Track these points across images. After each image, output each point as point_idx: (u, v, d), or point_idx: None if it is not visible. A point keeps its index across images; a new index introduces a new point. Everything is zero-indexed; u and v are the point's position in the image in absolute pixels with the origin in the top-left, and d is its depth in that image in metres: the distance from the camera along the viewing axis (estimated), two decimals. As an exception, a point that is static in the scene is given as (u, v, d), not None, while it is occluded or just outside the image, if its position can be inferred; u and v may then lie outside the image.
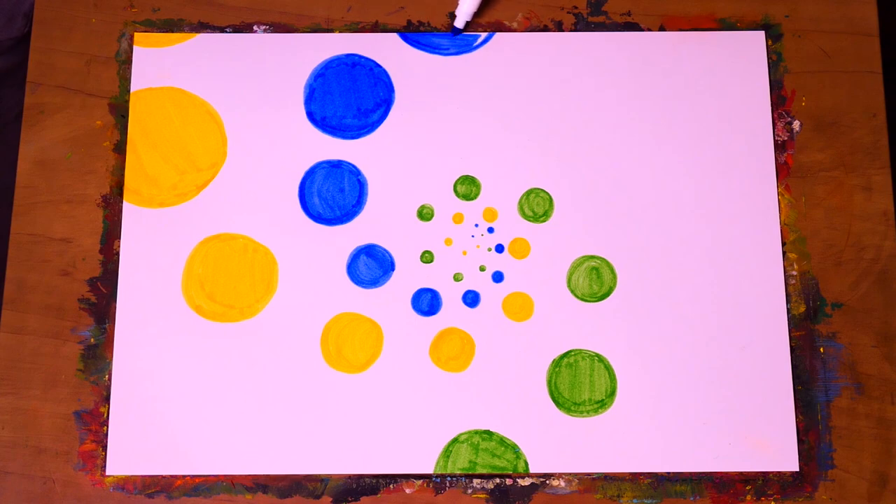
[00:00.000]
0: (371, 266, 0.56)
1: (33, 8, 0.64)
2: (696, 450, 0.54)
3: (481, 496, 0.53)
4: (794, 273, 0.56)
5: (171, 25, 0.59)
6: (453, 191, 0.57)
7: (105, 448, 0.54)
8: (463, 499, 0.53)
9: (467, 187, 0.57)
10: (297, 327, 0.55)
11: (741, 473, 0.53)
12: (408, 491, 0.53)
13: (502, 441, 0.54)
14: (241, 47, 0.59)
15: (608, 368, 0.55)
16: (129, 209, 0.57)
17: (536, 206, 0.57)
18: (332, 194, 0.57)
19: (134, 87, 0.58)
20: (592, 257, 0.56)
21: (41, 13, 0.59)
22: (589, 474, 0.53)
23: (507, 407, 0.54)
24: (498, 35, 0.59)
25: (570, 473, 0.53)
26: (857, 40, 0.59)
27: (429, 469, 0.53)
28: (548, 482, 0.53)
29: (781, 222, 0.56)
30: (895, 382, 0.55)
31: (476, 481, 0.53)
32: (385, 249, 0.56)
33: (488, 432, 0.54)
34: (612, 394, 0.54)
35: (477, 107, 0.58)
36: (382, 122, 0.58)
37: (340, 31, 0.59)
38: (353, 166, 0.57)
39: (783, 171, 0.57)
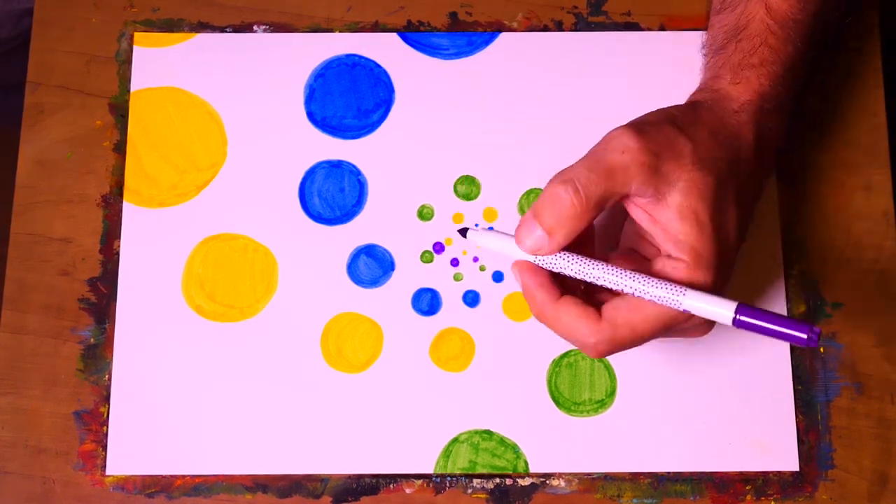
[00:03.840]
0: (371, 266, 0.56)
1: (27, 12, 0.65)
2: (696, 450, 0.54)
3: (481, 496, 0.53)
4: (794, 273, 0.56)
5: (171, 25, 0.59)
6: (453, 191, 0.57)
7: (105, 448, 0.54)
8: (463, 499, 0.53)
9: (467, 187, 0.57)
10: (297, 327, 0.55)
11: (741, 473, 0.53)
12: (408, 491, 0.53)
13: (502, 441, 0.54)
14: (241, 47, 0.59)
15: (608, 368, 0.55)
16: (129, 209, 0.57)
17: (536, 206, 0.57)
18: (332, 194, 0.57)
19: (134, 87, 0.58)
20: (592, 257, 0.56)
21: (41, 13, 0.59)
22: (589, 474, 0.53)
23: (507, 407, 0.54)
24: (498, 35, 0.59)
25: (570, 473, 0.53)
26: (858, 40, 0.59)
27: (429, 469, 0.53)
28: (548, 482, 0.53)
29: (781, 222, 0.56)
30: (895, 382, 0.55)
31: (476, 481, 0.53)
32: (385, 249, 0.56)
33: (488, 432, 0.54)
34: (612, 394, 0.54)
35: (477, 106, 0.58)
36: (382, 122, 0.58)
37: (340, 31, 0.59)
38: (353, 166, 0.57)
39: (783, 171, 0.57)
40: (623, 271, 0.43)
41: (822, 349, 0.55)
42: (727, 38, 0.49)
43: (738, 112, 0.47)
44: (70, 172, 0.57)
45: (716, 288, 0.43)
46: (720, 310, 0.41)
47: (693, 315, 0.43)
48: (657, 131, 0.44)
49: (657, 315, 0.43)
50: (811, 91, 0.58)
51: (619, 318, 0.43)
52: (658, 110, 0.46)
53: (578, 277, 0.44)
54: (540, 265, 0.44)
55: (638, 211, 0.44)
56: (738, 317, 0.41)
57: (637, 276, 0.43)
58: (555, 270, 0.44)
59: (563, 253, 0.44)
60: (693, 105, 0.47)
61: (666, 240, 0.44)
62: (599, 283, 0.44)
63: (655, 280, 0.42)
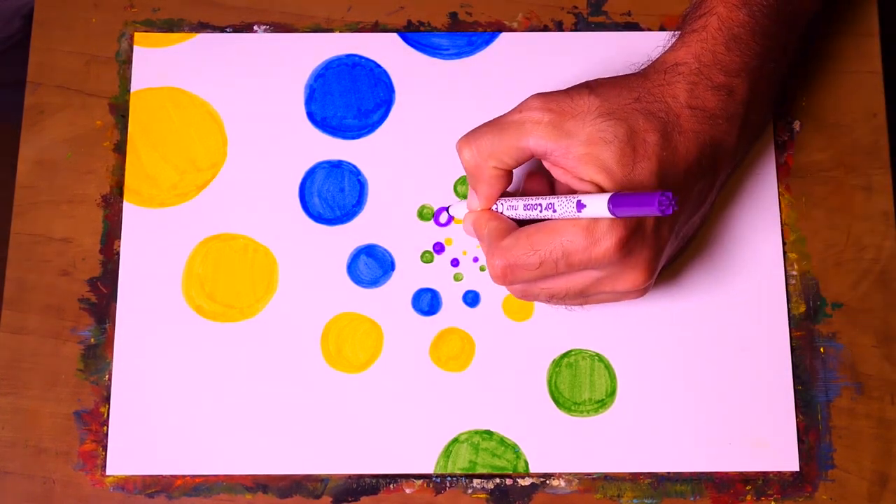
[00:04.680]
0: (371, 266, 0.56)
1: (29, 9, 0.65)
2: (696, 450, 0.54)
3: (481, 496, 0.53)
4: (794, 273, 0.56)
5: (171, 25, 0.59)
6: (453, 191, 0.57)
7: (105, 448, 0.54)
8: (463, 499, 0.53)
9: (467, 187, 0.57)
10: (297, 327, 0.55)
11: (741, 473, 0.53)
12: (408, 491, 0.53)
13: (502, 441, 0.54)
14: (241, 47, 0.59)
15: (608, 368, 0.55)
16: (129, 209, 0.57)
17: (536, 206, 0.57)
18: (332, 194, 0.57)
19: (134, 87, 0.58)
20: (592, 257, 0.56)
21: (41, 13, 0.59)
22: (589, 474, 0.53)
23: (507, 407, 0.54)
24: (498, 35, 0.59)
25: (570, 473, 0.53)
26: (857, 40, 0.59)
27: (429, 469, 0.53)
28: (548, 482, 0.53)
29: (781, 222, 0.56)
30: (895, 382, 0.55)
31: (476, 481, 0.53)
32: (385, 249, 0.56)
33: (488, 432, 0.54)
34: (612, 394, 0.54)
35: (477, 107, 0.58)
36: (382, 122, 0.58)
37: (340, 31, 0.59)
38: (354, 166, 0.57)
39: (783, 171, 0.57)
40: (538, 198, 0.48)
41: (822, 349, 0.55)
42: (684, 13, 0.52)
43: (667, 72, 0.49)
44: (70, 172, 0.57)
45: (624, 227, 0.45)
46: (600, 203, 0.44)
47: (591, 243, 0.45)
48: (565, 94, 0.48)
49: (555, 231, 0.46)
50: (810, 91, 0.58)
51: (521, 233, 0.47)
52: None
53: (510, 215, 0.50)
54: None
55: (555, 169, 0.48)
56: (611, 205, 0.43)
57: (546, 199, 0.47)
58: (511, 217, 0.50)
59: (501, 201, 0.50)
60: (624, 74, 0.50)
61: (579, 186, 0.47)
62: (528, 216, 0.49)
63: (558, 198, 0.47)
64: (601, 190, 0.46)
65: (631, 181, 0.46)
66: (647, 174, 0.46)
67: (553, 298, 0.49)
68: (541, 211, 0.47)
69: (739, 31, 0.49)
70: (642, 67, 0.50)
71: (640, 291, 0.49)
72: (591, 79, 0.49)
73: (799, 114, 0.58)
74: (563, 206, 0.46)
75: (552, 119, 0.46)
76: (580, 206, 0.45)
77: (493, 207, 0.50)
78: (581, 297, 0.49)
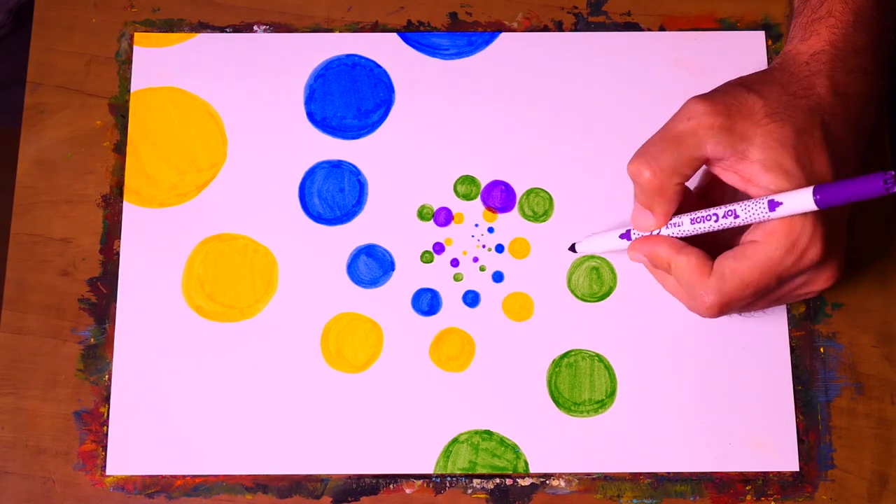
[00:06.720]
0: (371, 266, 0.56)
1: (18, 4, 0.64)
2: (696, 450, 0.54)
3: (481, 496, 0.53)
4: (794, 273, 0.56)
5: (171, 25, 0.59)
6: (453, 191, 0.57)
7: (105, 448, 0.54)
8: (463, 499, 0.53)
9: (467, 187, 0.57)
10: (297, 327, 0.55)
11: (741, 473, 0.53)
12: (408, 491, 0.53)
13: (502, 441, 0.54)
14: (241, 47, 0.59)
15: (608, 368, 0.55)
16: (129, 209, 0.57)
17: (536, 206, 0.57)
18: (332, 194, 0.57)
19: (134, 87, 0.58)
20: (592, 257, 0.56)
21: (41, 13, 0.59)
22: (589, 474, 0.53)
23: (507, 407, 0.54)
24: (498, 35, 0.59)
25: (570, 473, 0.53)
26: (857, 40, 0.59)
27: (429, 469, 0.53)
28: (548, 482, 0.53)
29: (781, 222, 0.56)
30: (895, 382, 0.55)
31: (476, 481, 0.53)
32: (385, 249, 0.56)
33: (488, 432, 0.54)
34: (612, 394, 0.54)
35: (477, 107, 0.58)
36: (382, 122, 0.58)
37: (340, 31, 0.59)
38: (353, 166, 0.57)
39: (783, 171, 0.57)
40: (710, 209, 0.46)
41: (822, 349, 0.55)
42: (801, 1, 0.51)
43: (808, 63, 0.48)
44: (70, 172, 0.57)
45: (823, 228, 0.45)
46: (800, 198, 0.43)
47: (799, 257, 0.44)
48: (725, 94, 0.46)
49: (764, 259, 0.45)
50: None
51: (725, 268, 0.45)
52: (731, 79, 0.48)
53: (677, 235, 0.48)
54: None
55: (727, 174, 0.46)
56: (817, 196, 0.42)
57: (723, 207, 0.46)
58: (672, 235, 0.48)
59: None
60: (765, 70, 0.49)
61: (759, 194, 0.45)
62: (697, 230, 0.47)
63: (740, 203, 0.45)
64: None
65: (810, 181, 0.45)
66: (824, 170, 0.45)
67: (746, 312, 0.50)
68: (716, 221, 0.46)
69: (863, 9, 0.48)
70: (776, 61, 0.49)
71: (830, 286, 0.48)
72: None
73: (799, 114, 0.58)
74: (748, 211, 0.44)
75: (723, 122, 0.45)
76: (773, 204, 0.43)
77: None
78: (775, 304, 0.49)
